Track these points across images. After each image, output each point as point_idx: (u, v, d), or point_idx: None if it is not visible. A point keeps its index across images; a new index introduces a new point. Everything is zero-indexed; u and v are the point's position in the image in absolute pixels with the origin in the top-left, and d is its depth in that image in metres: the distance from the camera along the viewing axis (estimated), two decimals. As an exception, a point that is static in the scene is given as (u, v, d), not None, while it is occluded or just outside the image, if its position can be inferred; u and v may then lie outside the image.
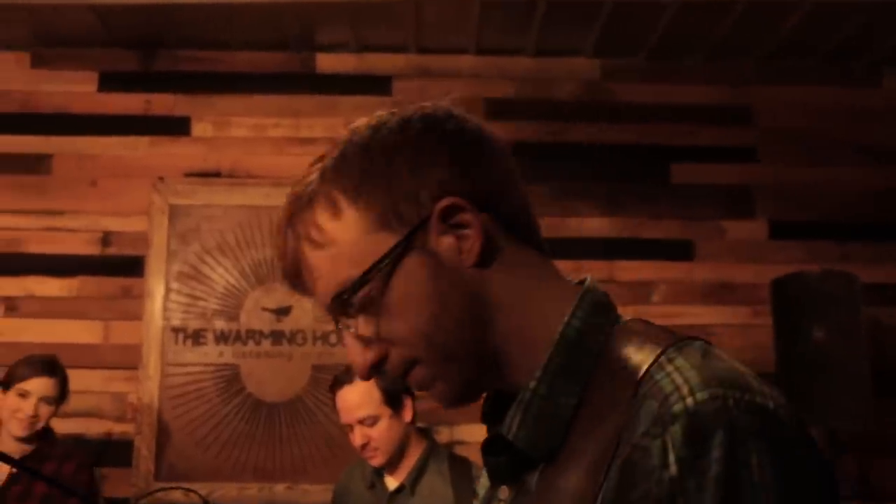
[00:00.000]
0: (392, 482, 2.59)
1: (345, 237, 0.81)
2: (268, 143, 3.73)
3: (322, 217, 0.82)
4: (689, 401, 0.68)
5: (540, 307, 0.82)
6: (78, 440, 3.41)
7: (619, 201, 3.74)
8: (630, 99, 3.85)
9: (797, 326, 3.15)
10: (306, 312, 3.58)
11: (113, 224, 3.67)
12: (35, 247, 3.64)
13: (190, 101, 3.79)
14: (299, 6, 3.49)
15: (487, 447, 0.85)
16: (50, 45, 3.78)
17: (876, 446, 3.52)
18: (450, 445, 3.28)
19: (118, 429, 3.52)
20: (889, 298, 3.66)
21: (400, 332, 0.81)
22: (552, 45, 3.79)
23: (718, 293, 3.69)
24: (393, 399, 2.52)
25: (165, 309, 3.59)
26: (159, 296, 3.60)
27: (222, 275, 3.63)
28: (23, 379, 2.83)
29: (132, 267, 3.62)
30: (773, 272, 3.37)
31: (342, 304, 0.82)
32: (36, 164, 3.71)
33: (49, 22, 3.62)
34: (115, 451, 3.48)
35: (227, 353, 3.59)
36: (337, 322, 0.84)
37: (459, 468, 2.56)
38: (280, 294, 3.60)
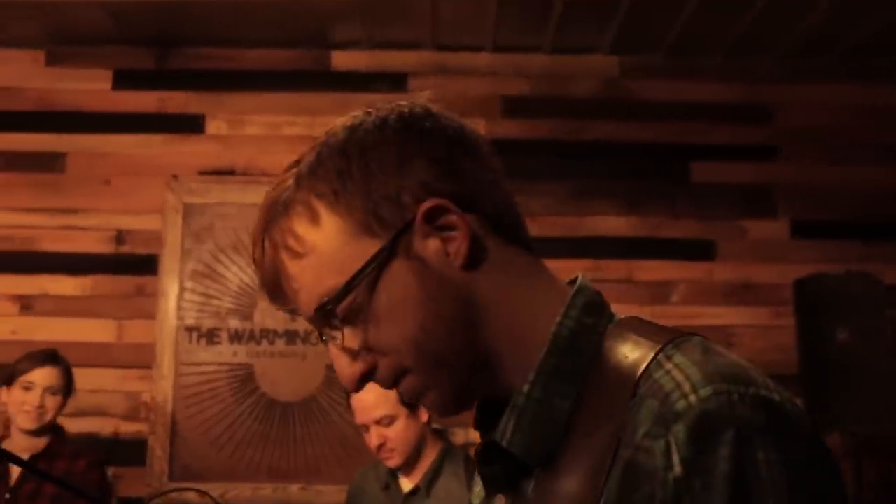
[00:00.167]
0: (407, 484, 2.56)
1: (325, 245, 0.78)
2: (282, 141, 3.71)
3: (300, 225, 0.79)
4: (692, 398, 0.66)
5: (531, 308, 0.79)
6: (91, 439, 3.41)
7: (639, 200, 3.70)
8: (649, 97, 3.81)
9: (820, 328, 3.11)
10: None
11: (127, 222, 3.66)
12: (49, 245, 3.64)
13: (204, 98, 3.78)
14: (314, 3, 3.46)
15: (481, 455, 0.82)
16: (64, 43, 3.77)
17: (900, 450, 3.47)
18: (465, 447, 3.25)
19: (132, 428, 3.51)
20: (913, 299, 3.60)
21: (389, 341, 0.77)
22: (569, 43, 3.76)
23: (739, 294, 3.64)
24: (409, 399, 2.48)
25: (179, 308, 3.57)
26: (173, 295, 3.58)
27: (236, 273, 3.61)
28: (25, 372, 2.84)
29: (146, 265, 3.61)
30: (795, 272, 3.32)
31: (326, 315, 0.78)
32: (50, 163, 3.71)
33: (63, 20, 3.61)
34: (129, 451, 3.47)
35: (241, 353, 3.57)
36: (321, 334, 0.81)
37: (476, 470, 2.52)
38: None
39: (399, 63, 3.81)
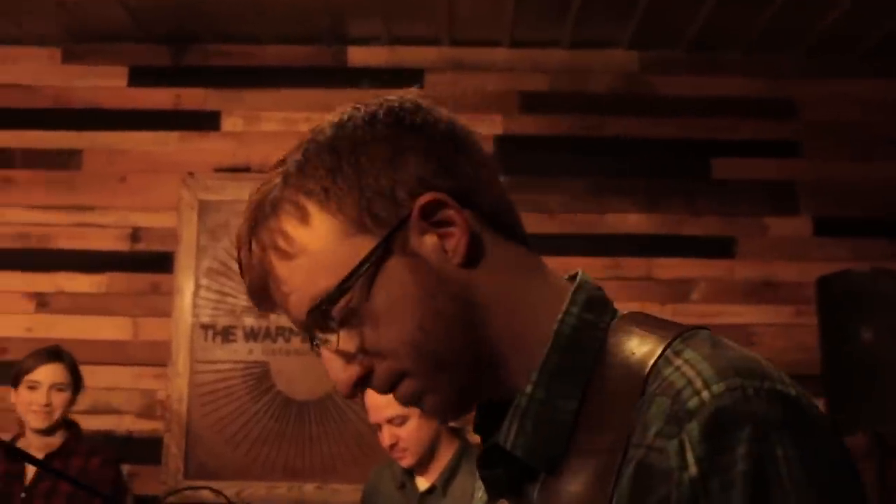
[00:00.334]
0: (423, 483, 2.53)
1: (316, 245, 0.74)
2: (298, 138, 3.67)
3: (289, 224, 0.75)
4: (705, 394, 0.63)
5: (532, 306, 0.76)
6: (106, 437, 3.40)
7: (659, 197, 3.66)
8: (669, 92, 3.76)
9: (844, 327, 3.07)
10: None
11: (142, 220, 3.65)
12: (65, 242, 3.63)
13: (220, 95, 3.76)
14: (330, -2, 3.45)
15: (483, 459, 0.79)
16: (81, 40, 3.77)
17: (925, 451, 3.41)
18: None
19: (147, 426, 3.50)
20: (939, 298, 3.53)
21: (387, 343, 0.74)
22: (588, 37, 3.72)
23: (761, 292, 3.59)
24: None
25: (195, 305, 3.56)
26: (189, 292, 3.57)
27: (252, 271, 3.58)
28: (30, 371, 2.83)
29: (161, 263, 3.60)
30: (818, 270, 3.28)
31: (320, 318, 0.75)
32: (66, 160, 3.70)
33: (80, 17, 3.61)
34: (144, 449, 3.46)
35: (256, 351, 3.55)
36: (312, 338, 0.78)
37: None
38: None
39: (416, 59, 3.78)
